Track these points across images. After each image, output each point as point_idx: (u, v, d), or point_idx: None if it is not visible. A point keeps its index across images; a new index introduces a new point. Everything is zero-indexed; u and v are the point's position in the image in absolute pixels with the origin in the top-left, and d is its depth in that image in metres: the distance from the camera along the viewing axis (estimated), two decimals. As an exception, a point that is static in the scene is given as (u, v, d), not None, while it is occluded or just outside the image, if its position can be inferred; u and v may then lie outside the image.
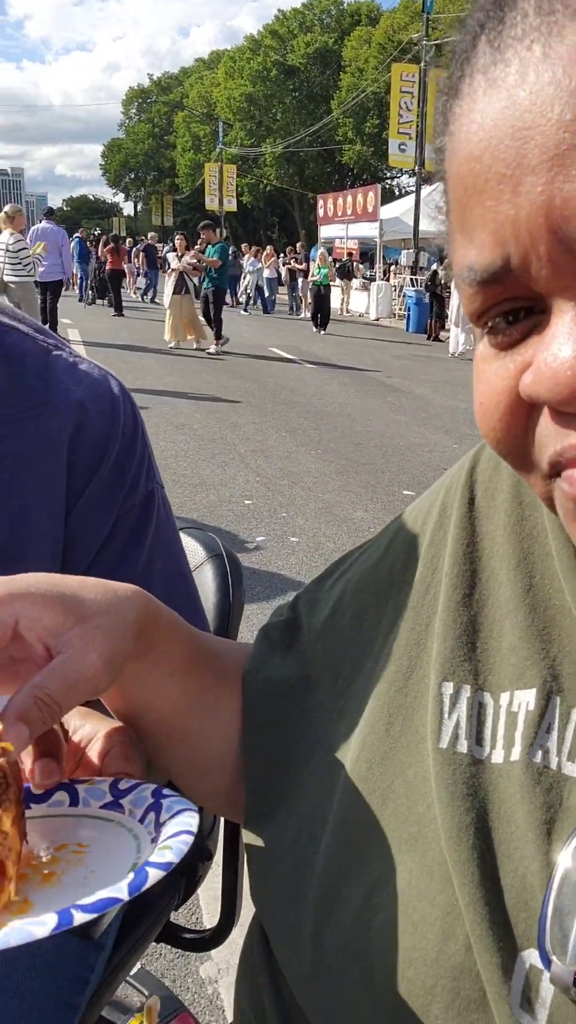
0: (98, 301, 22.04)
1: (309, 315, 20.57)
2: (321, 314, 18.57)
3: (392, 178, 47.43)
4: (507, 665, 0.54)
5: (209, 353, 13.88)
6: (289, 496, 6.28)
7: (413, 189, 24.61)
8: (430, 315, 18.89)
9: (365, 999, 0.52)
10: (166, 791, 0.55)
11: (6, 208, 10.82)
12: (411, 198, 23.98)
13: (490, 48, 0.42)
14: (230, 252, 29.02)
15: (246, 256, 24.83)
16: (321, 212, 29.64)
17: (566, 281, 0.40)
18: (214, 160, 47.25)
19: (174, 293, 13.79)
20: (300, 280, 23.58)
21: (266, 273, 24.39)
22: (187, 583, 0.96)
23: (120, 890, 0.43)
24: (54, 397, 0.85)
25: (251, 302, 24.02)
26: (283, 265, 25.66)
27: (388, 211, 25.05)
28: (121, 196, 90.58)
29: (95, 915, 0.42)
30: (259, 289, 23.49)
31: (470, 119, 0.43)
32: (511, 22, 0.42)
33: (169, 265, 14.35)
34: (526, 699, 0.52)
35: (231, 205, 44.51)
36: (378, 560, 0.67)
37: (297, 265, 23.92)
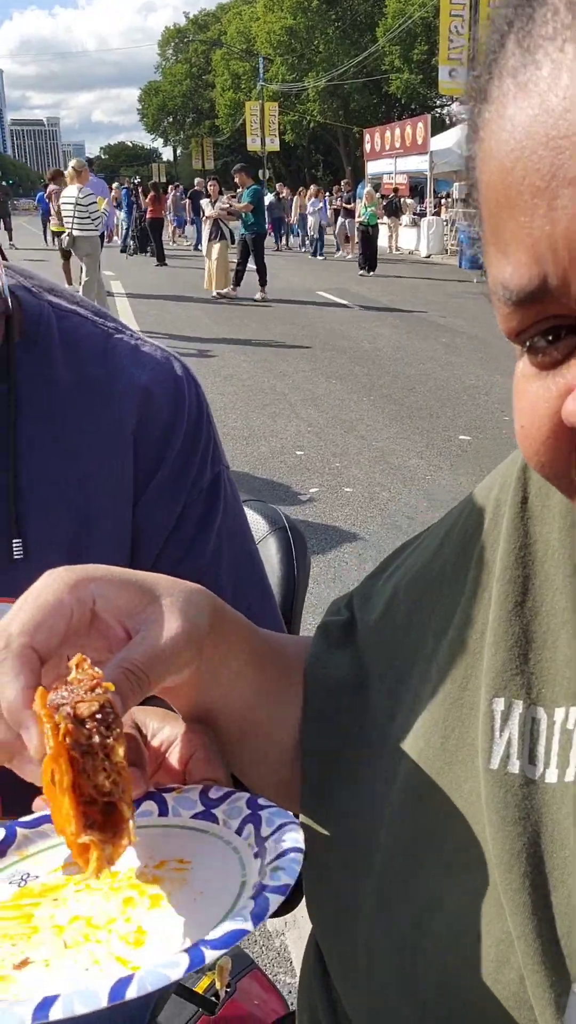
0: (141, 252, 21.86)
1: (353, 256, 20.07)
2: (369, 255, 18.13)
3: (442, 107, 45.63)
4: (563, 679, 0.52)
5: (255, 300, 13.69)
6: (342, 445, 6.21)
7: (465, 117, 23.60)
8: (484, 250, 18.26)
9: None
10: (261, 801, 0.54)
11: (72, 162, 10.96)
12: (463, 127, 22.99)
13: (519, 49, 0.40)
14: (274, 194, 28.61)
15: (304, 197, 24.24)
16: (368, 147, 28.84)
17: None
18: (255, 98, 46.07)
19: (209, 240, 13.59)
20: (345, 220, 22.96)
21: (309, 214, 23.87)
22: (255, 564, 0.94)
23: (245, 920, 0.42)
24: (118, 383, 0.83)
25: (316, 245, 23.45)
26: (330, 205, 25.04)
27: (439, 142, 24.16)
28: (160, 141, 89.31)
29: (225, 950, 0.40)
30: (321, 230, 22.86)
31: (500, 127, 0.40)
32: (541, 20, 0.39)
33: (203, 212, 14.11)
34: None
35: (273, 144, 43.47)
36: (432, 556, 0.65)
37: (344, 204, 23.30)
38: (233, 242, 13.80)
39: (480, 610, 0.58)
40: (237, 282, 14.07)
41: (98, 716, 0.46)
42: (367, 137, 29.32)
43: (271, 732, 0.66)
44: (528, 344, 0.42)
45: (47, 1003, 0.38)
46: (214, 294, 13.77)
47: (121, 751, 0.46)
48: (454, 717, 0.57)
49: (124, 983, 0.39)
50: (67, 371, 0.82)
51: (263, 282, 13.88)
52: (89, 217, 10.61)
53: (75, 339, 0.83)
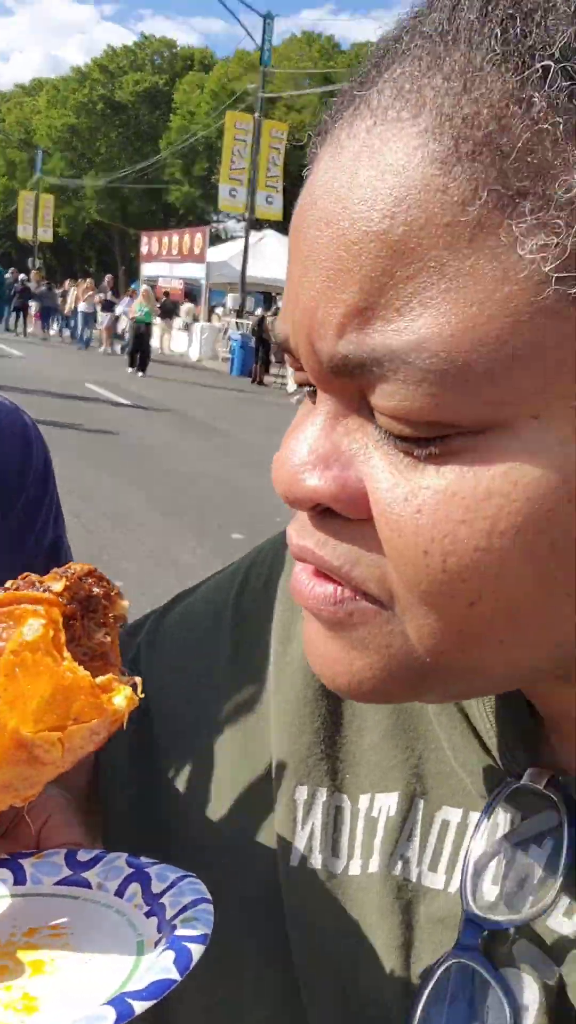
0: None
1: (111, 350, 19.77)
2: (141, 353, 18.17)
3: (219, 222, 48.23)
4: (368, 764, 0.50)
5: None
6: (111, 538, 5.97)
7: (241, 234, 25.00)
8: (256, 359, 19.09)
9: None
10: (143, 859, 0.49)
11: None
12: (240, 242, 24.38)
13: (353, 104, 0.37)
14: (45, 284, 28.17)
15: (80, 289, 24.00)
16: (145, 249, 29.54)
17: (323, 387, 0.38)
18: (29, 188, 45.96)
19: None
20: (110, 315, 23.02)
21: (82, 307, 23.74)
22: None
23: (169, 971, 0.38)
24: None
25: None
26: (96, 301, 25.05)
27: (216, 254, 25.31)
28: None
29: (153, 1001, 0.38)
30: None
31: (313, 176, 0.38)
32: (378, 85, 0.35)
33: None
34: (387, 803, 0.49)
35: (47, 235, 43.37)
36: (226, 614, 0.62)
37: (108, 299, 23.40)
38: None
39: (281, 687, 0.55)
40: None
41: (95, 572, 0.44)
42: (144, 240, 30.06)
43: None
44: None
45: None
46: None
47: (124, 603, 0.44)
48: (256, 794, 0.54)
49: None
50: None
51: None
52: None
53: None
